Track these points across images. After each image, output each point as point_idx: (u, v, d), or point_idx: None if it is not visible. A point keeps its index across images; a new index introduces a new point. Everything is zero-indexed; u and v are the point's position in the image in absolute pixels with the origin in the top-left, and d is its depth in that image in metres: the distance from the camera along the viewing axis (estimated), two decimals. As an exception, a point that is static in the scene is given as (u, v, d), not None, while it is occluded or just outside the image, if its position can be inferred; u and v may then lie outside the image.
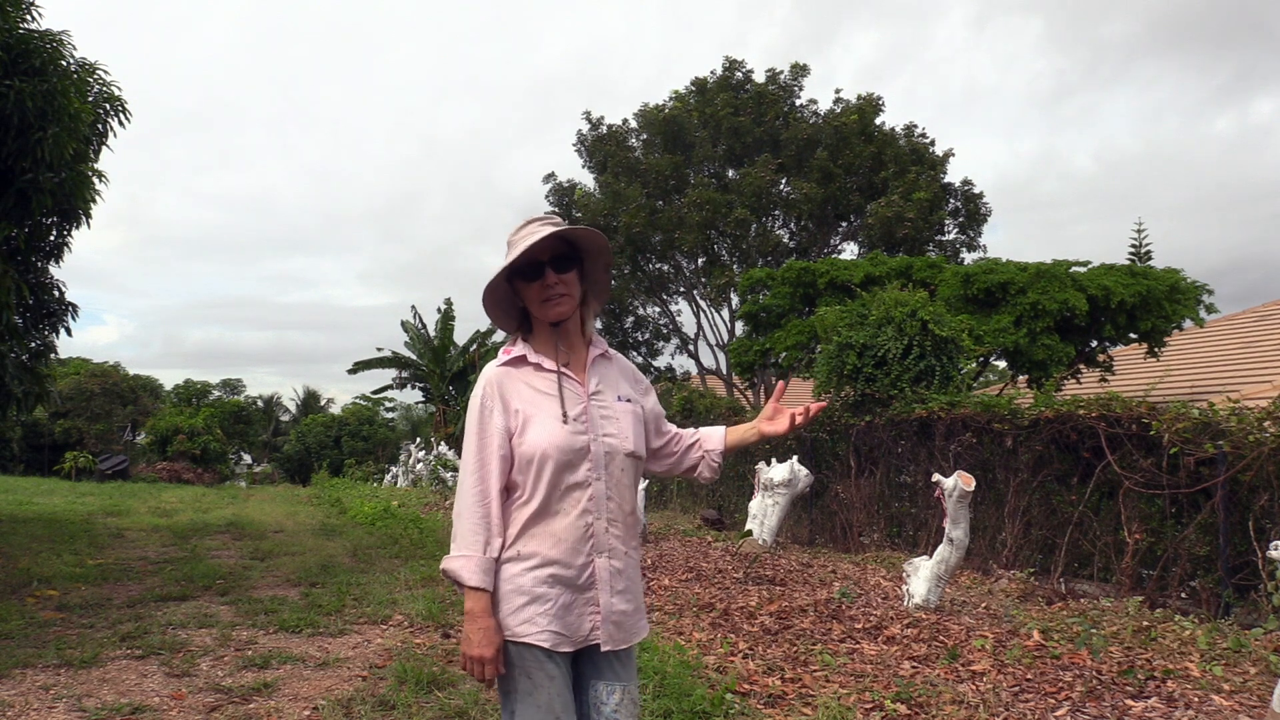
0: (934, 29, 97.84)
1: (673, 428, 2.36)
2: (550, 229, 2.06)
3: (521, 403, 2.06)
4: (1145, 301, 12.33)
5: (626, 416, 2.15)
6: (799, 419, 2.22)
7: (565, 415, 2.04)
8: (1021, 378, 13.15)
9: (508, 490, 2.06)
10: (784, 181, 21.72)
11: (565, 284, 2.09)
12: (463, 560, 1.98)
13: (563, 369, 2.11)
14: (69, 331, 9.69)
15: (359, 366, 28.85)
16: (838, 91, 22.64)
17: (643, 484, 10.04)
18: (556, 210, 24.08)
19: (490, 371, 2.10)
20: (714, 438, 2.34)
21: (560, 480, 2.02)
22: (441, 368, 27.78)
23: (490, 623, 1.97)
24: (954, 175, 23.74)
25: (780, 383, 2.33)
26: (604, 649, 2.05)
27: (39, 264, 9.23)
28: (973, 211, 21.47)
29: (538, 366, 2.11)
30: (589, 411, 2.09)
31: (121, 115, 9.14)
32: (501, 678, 2.01)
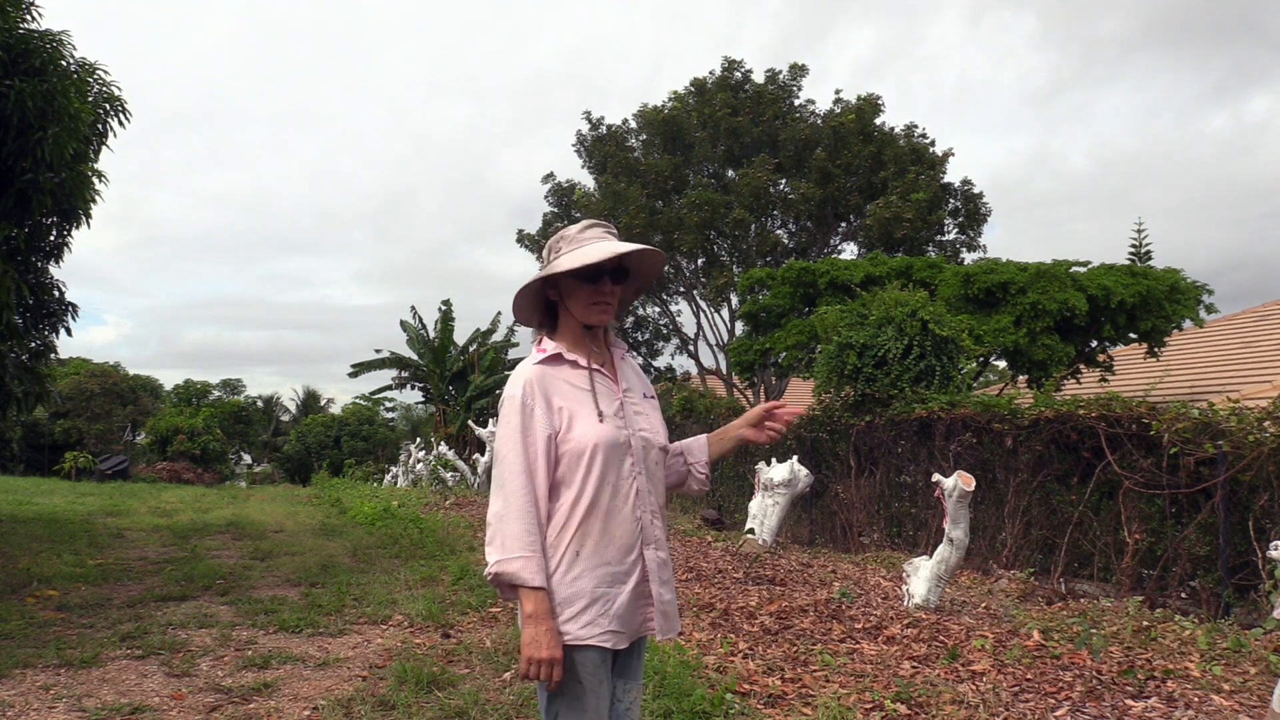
0: (927, 24, 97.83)
1: None
2: (632, 246, 2.09)
3: (563, 399, 2.06)
4: (1145, 301, 12.34)
5: (654, 412, 2.21)
6: (781, 429, 2.26)
7: (600, 413, 2.06)
8: (1021, 378, 13.15)
9: (555, 489, 2.05)
10: (783, 182, 21.74)
11: (613, 295, 2.13)
12: (522, 561, 1.95)
13: (597, 367, 2.14)
14: (69, 331, 9.68)
15: (360, 368, 28.81)
16: (837, 92, 22.72)
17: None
18: (556, 211, 24.11)
19: (528, 370, 2.09)
20: (698, 448, 2.34)
21: (609, 475, 2.04)
22: (441, 368, 27.77)
23: (554, 623, 1.96)
24: (952, 174, 23.74)
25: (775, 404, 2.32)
26: (659, 639, 2.11)
27: (39, 264, 9.22)
28: (972, 211, 21.48)
29: (574, 364, 2.12)
30: (624, 407, 2.13)
31: (121, 115, 9.13)
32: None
